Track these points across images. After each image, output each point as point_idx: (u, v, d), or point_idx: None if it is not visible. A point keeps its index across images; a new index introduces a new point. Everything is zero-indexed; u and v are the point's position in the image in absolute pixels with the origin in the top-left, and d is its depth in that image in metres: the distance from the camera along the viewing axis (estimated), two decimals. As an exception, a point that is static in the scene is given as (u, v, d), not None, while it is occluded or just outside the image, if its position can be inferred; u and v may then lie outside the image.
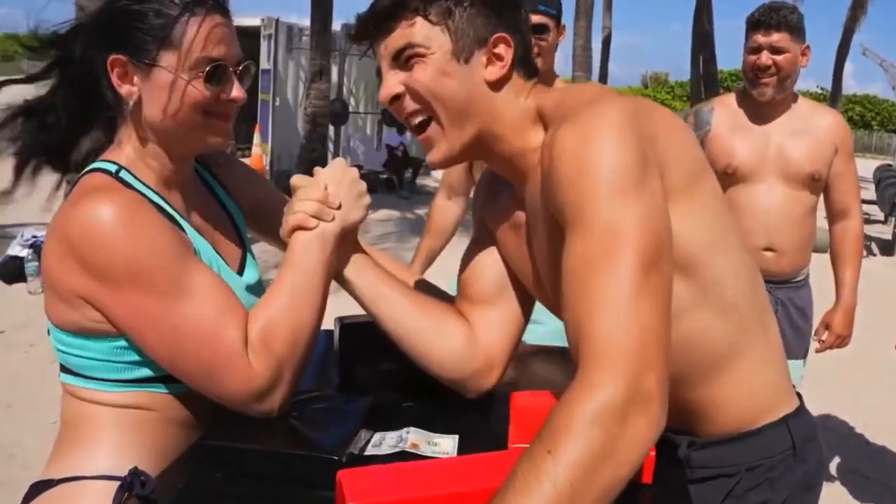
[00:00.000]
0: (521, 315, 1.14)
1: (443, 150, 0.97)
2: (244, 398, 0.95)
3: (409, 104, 0.96)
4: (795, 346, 2.28)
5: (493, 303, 1.12)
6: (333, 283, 1.07)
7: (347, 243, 1.07)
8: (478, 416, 1.18)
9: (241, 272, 1.14)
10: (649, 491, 0.94)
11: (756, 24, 2.17)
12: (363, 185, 1.07)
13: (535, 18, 1.92)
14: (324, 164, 1.14)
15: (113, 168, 0.99)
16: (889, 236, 9.05)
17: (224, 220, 1.16)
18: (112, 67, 0.96)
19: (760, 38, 2.15)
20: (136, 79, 0.97)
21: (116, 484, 0.92)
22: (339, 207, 1.03)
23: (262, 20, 9.97)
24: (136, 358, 0.97)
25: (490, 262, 1.12)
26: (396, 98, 0.96)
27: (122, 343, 0.96)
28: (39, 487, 0.98)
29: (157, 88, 0.96)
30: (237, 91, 1.00)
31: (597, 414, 0.70)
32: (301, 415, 1.02)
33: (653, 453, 0.93)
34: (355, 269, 1.07)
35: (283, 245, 1.22)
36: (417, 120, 0.97)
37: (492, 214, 1.12)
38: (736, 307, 0.98)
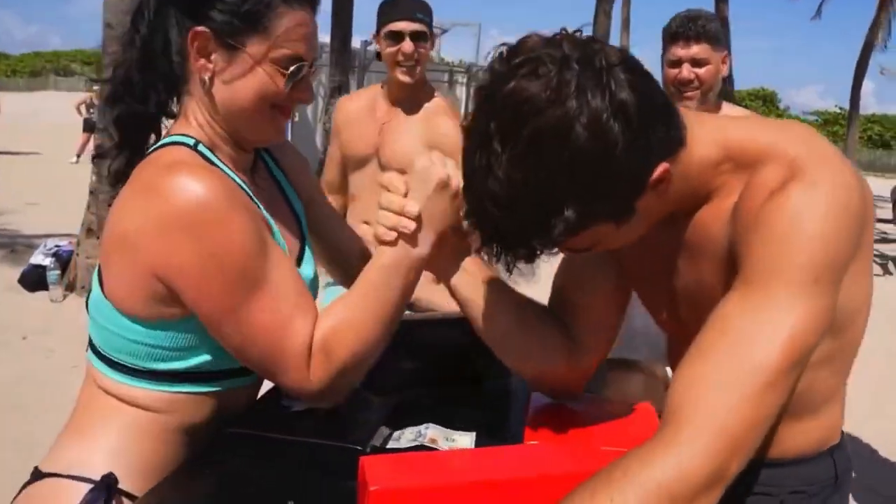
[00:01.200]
0: (617, 324, 1.11)
1: None
2: (298, 394, 0.96)
3: None
4: None
5: (595, 310, 1.08)
6: None
7: (447, 244, 1.02)
8: (495, 415, 1.20)
9: (298, 264, 1.10)
10: None
11: (674, 35, 2.10)
12: (451, 187, 0.97)
13: (413, 26, 2.04)
14: None
15: (191, 142, 0.95)
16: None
17: (285, 209, 1.13)
18: (193, 40, 0.92)
19: (680, 52, 2.08)
20: (214, 56, 0.93)
21: (88, 487, 0.91)
22: (418, 218, 0.96)
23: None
24: (185, 346, 0.95)
25: (597, 271, 1.07)
26: None
27: (179, 328, 0.93)
28: (33, 476, 0.98)
29: (235, 72, 0.93)
30: (309, 92, 0.99)
31: (671, 481, 0.68)
32: (325, 409, 1.05)
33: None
34: (460, 277, 1.05)
35: (324, 242, 1.25)
36: None
37: None
38: (854, 356, 0.96)
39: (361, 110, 2.24)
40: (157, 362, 0.96)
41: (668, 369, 1.24)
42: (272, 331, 0.91)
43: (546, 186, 0.75)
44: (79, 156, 12.32)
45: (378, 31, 2.12)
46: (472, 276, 1.07)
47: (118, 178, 0.97)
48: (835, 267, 0.76)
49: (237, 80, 0.93)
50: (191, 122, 0.99)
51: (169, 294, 0.90)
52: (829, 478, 1.01)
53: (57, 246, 5.35)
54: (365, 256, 1.33)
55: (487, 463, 0.87)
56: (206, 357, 0.97)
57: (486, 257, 0.88)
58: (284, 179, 1.17)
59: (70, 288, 5.12)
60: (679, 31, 2.10)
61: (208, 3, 0.92)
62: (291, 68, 0.94)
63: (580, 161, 0.73)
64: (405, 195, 0.98)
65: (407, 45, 2.04)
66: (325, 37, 9.65)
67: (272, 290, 0.91)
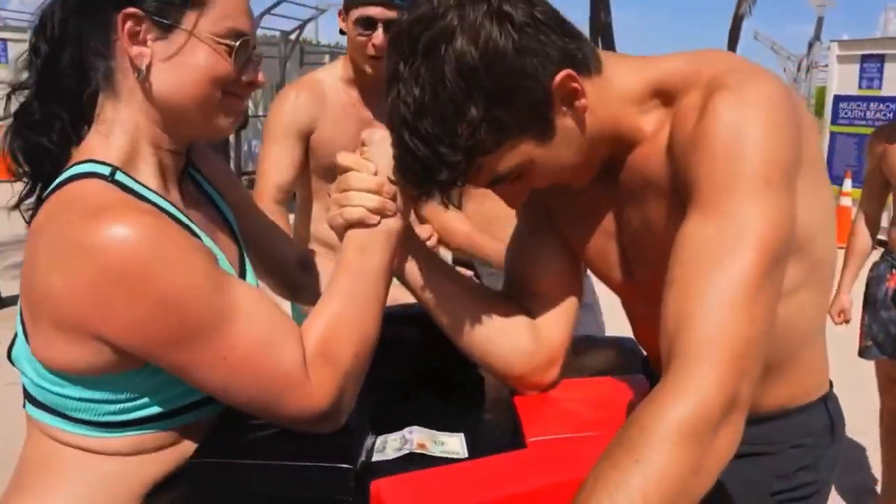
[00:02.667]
0: (577, 304, 1.07)
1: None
2: (309, 420, 0.83)
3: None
4: None
5: (553, 295, 1.05)
6: None
7: (402, 235, 0.95)
8: (477, 410, 1.11)
9: (242, 275, 1.01)
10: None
11: None
12: None
13: (389, 14, 1.70)
14: None
15: (106, 171, 0.81)
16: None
17: (219, 221, 1.02)
18: (123, 23, 0.80)
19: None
20: (149, 41, 0.82)
21: None
22: (394, 198, 0.90)
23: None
24: (141, 396, 0.83)
25: (549, 255, 1.05)
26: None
27: (133, 380, 0.81)
28: None
29: (176, 55, 0.82)
30: (260, 74, 0.90)
31: (690, 421, 0.66)
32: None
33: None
34: (414, 263, 0.99)
35: (258, 253, 1.12)
36: None
37: (561, 200, 1.01)
38: (830, 283, 0.96)
39: (326, 104, 1.85)
40: (109, 416, 0.83)
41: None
42: (256, 362, 0.79)
43: (444, 94, 0.76)
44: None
45: (346, 9, 1.77)
46: (423, 264, 1.00)
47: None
48: (782, 166, 0.76)
49: (180, 63, 0.82)
50: (110, 138, 0.85)
51: (115, 352, 0.78)
52: (825, 427, 1.01)
53: None
54: (304, 263, 1.23)
55: (507, 473, 0.78)
56: (163, 404, 0.85)
57: (423, 202, 0.85)
58: (212, 189, 1.05)
59: None
60: None
61: None
62: (236, 44, 0.84)
63: (467, 65, 0.76)
64: (375, 173, 0.90)
65: (380, 36, 1.71)
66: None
67: (241, 322, 0.79)
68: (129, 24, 0.80)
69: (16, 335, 0.85)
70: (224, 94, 0.86)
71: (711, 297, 0.70)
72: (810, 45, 9.50)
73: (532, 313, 1.05)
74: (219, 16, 0.83)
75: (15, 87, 0.87)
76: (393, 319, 1.20)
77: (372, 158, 0.91)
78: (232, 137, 9.72)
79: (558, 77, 0.79)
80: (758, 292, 0.71)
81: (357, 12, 1.74)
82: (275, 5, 9.90)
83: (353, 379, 0.86)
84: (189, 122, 0.86)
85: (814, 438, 0.99)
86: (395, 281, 0.98)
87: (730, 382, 0.68)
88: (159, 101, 0.84)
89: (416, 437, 0.96)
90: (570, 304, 1.06)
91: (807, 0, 8.71)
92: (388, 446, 0.94)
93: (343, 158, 0.92)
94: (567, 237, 1.04)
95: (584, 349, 1.30)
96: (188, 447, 0.87)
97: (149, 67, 0.82)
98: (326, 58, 10.71)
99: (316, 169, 1.90)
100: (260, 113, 11.44)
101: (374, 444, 0.94)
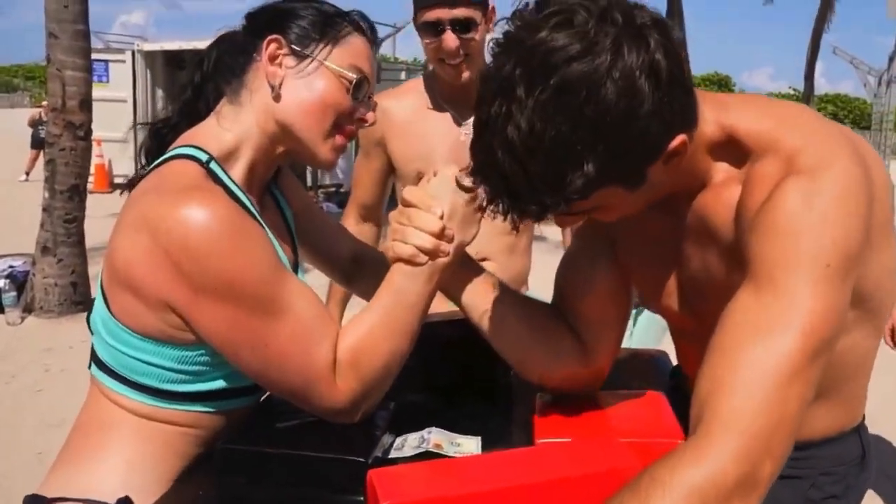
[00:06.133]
0: (623, 328, 1.08)
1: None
2: (326, 414, 0.92)
3: None
4: None
5: (602, 315, 1.05)
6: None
7: (461, 269, 1.01)
8: (500, 418, 1.15)
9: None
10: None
11: None
12: (475, 207, 0.96)
13: (455, 13, 1.54)
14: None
15: (204, 157, 0.92)
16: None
17: (282, 225, 1.13)
18: (267, 45, 0.94)
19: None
20: (285, 63, 0.95)
21: None
22: (452, 240, 0.94)
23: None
24: (202, 370, 0.93)
25: (602, 277, 1.04)
26: None
27: (196, 353, 0.91)
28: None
29: (304, 79, 0.94)
30: (371, 114, 1.00)
31: (701, 486, 0.66)
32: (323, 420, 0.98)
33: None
34: (461, 282, 1.02)
35: (317, 258, 1.27)
36: None
37: (625, 228, 0.99)
38: (883, 324, 0.94)
39: (415, 114, 1.72)
40: (171, 384, 0.93)
41: None
42: (294, 352, 0.88)
43: (568, 139, 0.71)
44: (27, 173, 11.91)
45: (414, 18, 1.63)
46: (471, 277, 1.03)
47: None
48: (845, 253, 0.73)
49: (307, 84, 0.94)
50: (221, 131, 0.96)
51: (181, 322, 0.88)
52: (857, 457, 1.00)
53: (11, 267, 5.14)
54: (357, 257, 1.34)
55: (501, 469, 0.82)
56: (220, 381, 0.95)
57: (490, 215, 0.84)
58: (280, 194, 1.16)
59: (28, 310, 4.93)
60: None
61: (281, 17, 0.96)
62: (355, 78, 0.95)
63: (606, 116, 0.70)
64: (441, 217, 0.93)
65: (449, 39, 1.55)
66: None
67: (289, 313, 0.88)
68: (272, 46, 0.94)
69: (94, 299, 0.96)
70: (335, 126, 0.96)
71: (748, 371, 0.70)
72: (891, 60, 9.01)
73: (579, 331, 1.05)
74: (346, 54, 0.96)
75: (157, 123, 1.05)
76: (432, 325, 1.27)
77: (437, 195, 0.94)
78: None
79: (675, 142, 0.77)
80: (796, 375, 0.69)
81: (422, 16, 1.59)
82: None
83: (376, 391, 0.94)
84: (296, 139, 0.96)
85: (846, 468, 0.98)
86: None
87: (750, 458, 0.67)
88: (279, 114, 0.95)
89: (434, 438, 1.02)
90: (617, 326, 1.07)
91: (888, 16, 8.25)
92: (407, 445, 1.01)
93: (409, 194, 0.95)
94: (625, 264, 1.04)
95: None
96: (227, 429, 0.97)
97: (280, 84, 0.94)
98: (403, 74, 10.90)
99: (400, 178, 1.80)
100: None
101: (393, 442, 1.01)
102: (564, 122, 0.71)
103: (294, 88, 0.94)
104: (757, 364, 0.70)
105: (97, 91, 5.61)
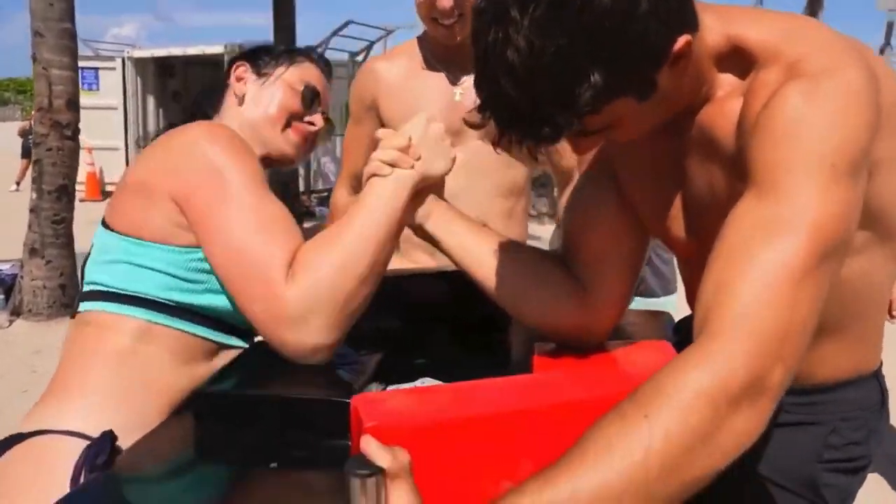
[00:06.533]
0: (636, 264, 1.03)
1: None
2: (271, 320, 0.91)
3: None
4: (660, 287, 2.31)
5: (606, 252, 1.00)
6: None
7: (432, 199, 1.02)
8: (495, 371, 1.08)
9: None
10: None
11: None
12: (448, 140, 1.04)
13: None
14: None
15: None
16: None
17: None
18: (235, 69, 1.18)
19: None
20: (249, 80, 1.17)
21: (84, 444, 0.86)
22: (419, 159, 1.00)
23: (226, 47, 9.88)
24: (198, 281, 0.97)
25: (608, 211, 1.00)
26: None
27: (193, 257, 0.97)
28: (5, 445, 0.90)
29: (265, 89, 1.16)
30: (319, 119, 1.18)
31: (709, 388, 0.62)
32: (306, 367, 0.92)
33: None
34: (442, 222, 1.01)
35: None
36: None
37: (627, 153, 0.97)
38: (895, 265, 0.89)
39: (407, 74, 1.65)
40: (167, 291, 0.96)
41: None
42: (255, 244, 0.93)
43: (569, 52, 0.69)
44: (18, 183, 11.82)
45: None
46: (459, 222, 1.01)
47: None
48: (851, 154, 0.70)
49: (267, 93, 1.15)
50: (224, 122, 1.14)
51: (182, 220, 0.96)
52: (877, 402, 0.96)
53: (-2, 270, 5.07)
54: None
55: (493, 394, 0.77)
56: (213, 298, 0.98)
57: (501, 150, 0.81)
58: None
59: (16, 313, 4.85)
60: None
61: (256, 52, 1.20)
62: (304, 87, 1.16)
63: (603, 22, 0.69)
64: (409, 140, 0.99)
65: None
66: (268, 44, 9.47)
67: (263, 211, 0.96)
68: (239, 69, 1.18)
69: (90, 250, 1.04)
70: (288, 124, 1.15)
71: (755, 275, 0.67)
72: (881, 52, 9.02)
73: (582, 275, 1.01)
74: (300, 73, 1.18)
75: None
76: (425, 278, 1.22)
77: (406, 128, 1.00)
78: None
79: (679, 44, 0.74)
80: (804, 277, 0.66)
81: None
82: (342, 27, 10.19)
83: (331, 304, 0.90)
84: (261, 137, 1.13)
85: (866, 413, 0.94)
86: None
87: (759, 362, 0.64)
88: (246, 116, 1.15)
89: (427, 386, 0.96)
90: (624, 268, 1.01)
91: (877, 7, 8.25)
92: (398, 393, 0.95)
93: (379, 132, 1.01)
94: (631, 195, 0.99)
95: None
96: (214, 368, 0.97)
97: (244, 95, 1.16)
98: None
99: None
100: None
101: (384, 390, 0.95)
102: (562, 35, 0.69)
103: (257, 96, 1.15)
104: (764, 266, 0.67)
105: (88, 99, 5.57)
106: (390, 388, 0.96)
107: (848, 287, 0.83)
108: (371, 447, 0.62)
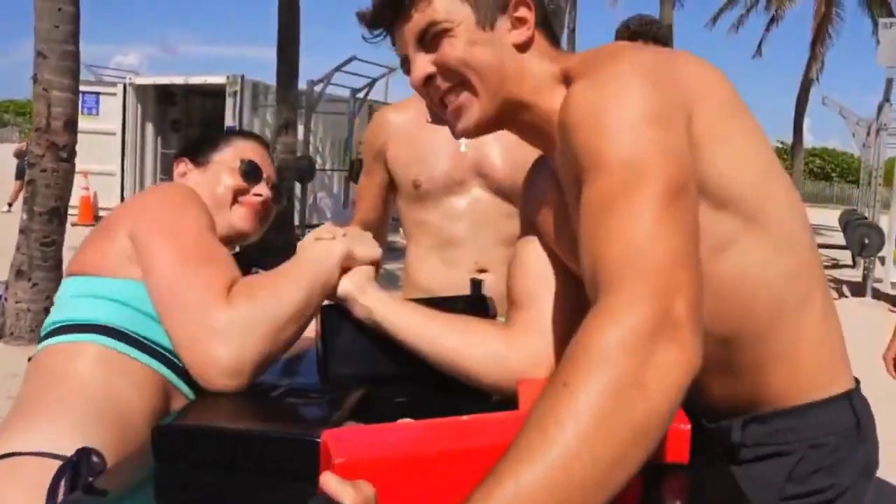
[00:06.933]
0: (574, 304, 1.01)
1: (474, 117, 0.92)
2: (204, 332, 0.93)
3: (443, 83, 0.91)
4: None
5: (538, 298, 1.03)
6: None
7: (370, 287, 1.07)
8: (479, 409, 1.04)
9: None
10: (686, 471, 0.81)
11: (633, 35, 2.13)
12: (374, 241, 1.14)
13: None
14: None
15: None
16: (859, 279, 9.13)
17: None
18: (177, 165, 1.27)
19: None
20: (191, 174, 1.24)
21: (57, 464, 0.82)
22: (344, 235, 1.10)
23: (228, 78, 9.98)
24: (153, 311, 1.00)
25: (534, 258, 1.05)
26: (429, 80, 0.91)
27: (144, 292, 1.00)
28: None
29: (205, 177, 1.23)
30: (264, 190, 1.24)
31: (621, 339, 0.61)
32: (279, 403, 0.88)
33: (688, 427, 0.81)
34: (381, 304, 1.05)
35: None
36: (454, 97, 0.91)
37: (533, 201, 1.05)
38: (798, 244, 0.90)
39: (415, 124, 1.67)
40: (130, 323, 0.99)
41: None
42: (195, 275, 0.98)
43: None
44: (10, 204, 11.78)
45: None
46: (390, 301, 1.05)
47: None
48: (653, 107, 0.75)
49: (211, 178, 1.23)
50: None
51: (134, 253, 1.02)
52: (850, 426, 0.91)
53: (-14, 290, 4.99)
54: None
55: (464, 431, 0.74)
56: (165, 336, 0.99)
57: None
58: None
59: (-2, 335, 4.76)
60: (639, 30, 2.15)
61: (193, 145, 1.30)
62: (240, 164, 1.23)
63: None
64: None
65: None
66: (270, 80, 9.58)
67: (204, 247, 1.03)
68: (180, 166, 1.26)
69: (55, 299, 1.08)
70: (234, 201, 1.22)
71: (617, 230, 0.69)
72: (880, 108, 9.12)
73: (516, 320, 1.04)
74: (235, 151, 1.25)
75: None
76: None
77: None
78: (298, 189, 10.04)
79: (520, 8, 0.89)
80: (663, 213, 0.68)
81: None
82: (345, 63, 10.28)
83: (263, 323, 0.95)
84: (217, 219, 1.16)
85: (837, 438, 0.90)
86: None
87: (657, 300, 0.63)
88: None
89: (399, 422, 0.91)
90: (562, 304, 1.02)
91: (877, 62, 8.38)
92: (374, 434, 0.90)
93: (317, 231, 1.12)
94: (548, 238, 1.04)
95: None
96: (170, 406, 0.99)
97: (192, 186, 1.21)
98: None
99: (398, 187, 1.73)
100: (327, 167, 11.82)
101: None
102: None
103: (201, 184, 1.21)
104: (623, 222, 0.69)
105: (87, 123, 5.57)
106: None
107: (730, 285, 0.85)
108: (331, 485, 0.60)
